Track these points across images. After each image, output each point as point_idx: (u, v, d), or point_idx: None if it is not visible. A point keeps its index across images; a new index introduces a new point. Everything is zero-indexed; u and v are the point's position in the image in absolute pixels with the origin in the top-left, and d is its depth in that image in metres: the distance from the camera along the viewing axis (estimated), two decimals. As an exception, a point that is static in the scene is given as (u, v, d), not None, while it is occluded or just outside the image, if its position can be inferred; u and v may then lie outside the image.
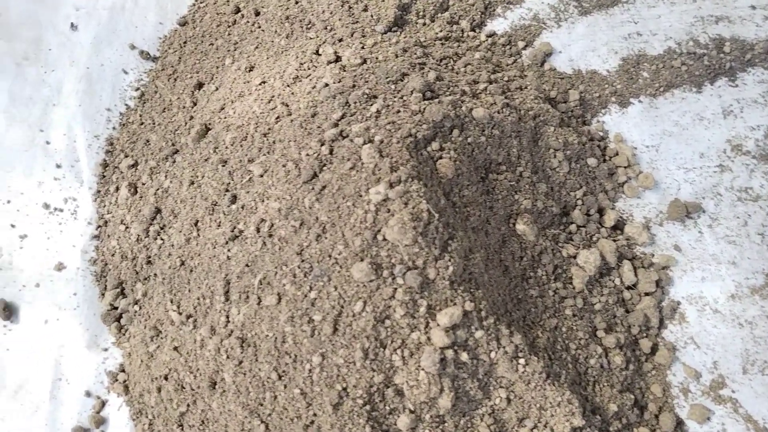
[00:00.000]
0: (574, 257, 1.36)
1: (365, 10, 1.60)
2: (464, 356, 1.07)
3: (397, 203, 1.08)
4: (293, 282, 1.08)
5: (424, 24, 1.64)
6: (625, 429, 1.24)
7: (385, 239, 1.07)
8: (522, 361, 1.11)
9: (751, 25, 1.72)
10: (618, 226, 1.48)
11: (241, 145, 1.29)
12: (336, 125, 1.21)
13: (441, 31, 1.62)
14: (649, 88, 1.63)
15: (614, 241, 1.43)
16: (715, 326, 1.39)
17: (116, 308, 1.37)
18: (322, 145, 1.18)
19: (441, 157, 1.21)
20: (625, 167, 1.53)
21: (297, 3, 1.64)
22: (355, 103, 1.24)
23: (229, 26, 1.66)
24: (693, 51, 1.67)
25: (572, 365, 1.23)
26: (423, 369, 1.05)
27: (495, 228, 1.27)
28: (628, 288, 1.39)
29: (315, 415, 1.06)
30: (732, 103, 1.63)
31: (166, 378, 1.22)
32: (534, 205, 1.34)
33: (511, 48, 1.68)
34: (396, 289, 1.06)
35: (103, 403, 1.31)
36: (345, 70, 1.33)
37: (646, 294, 1.40)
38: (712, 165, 1.56)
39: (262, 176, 1.21)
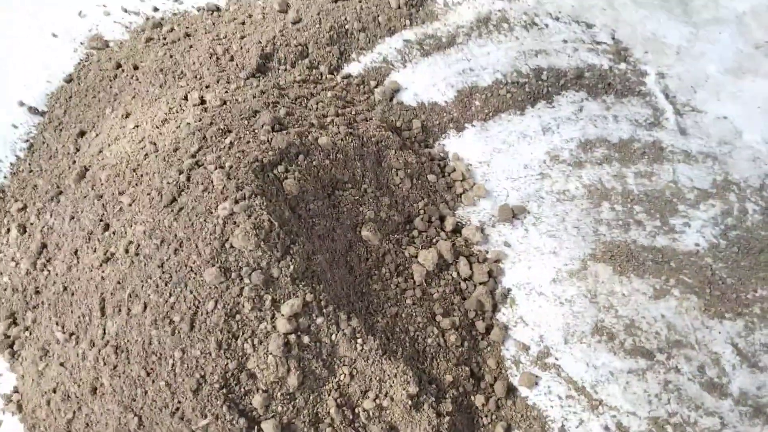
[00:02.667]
0: (416, 257, 1.59)
1: (231, 59, 1.84)
2: (306, 339, 1.27)
3: (241, 216, 1.29)
4: (156, 291, 1.27)
5: (285, 69, 1.88)
6: (461, 396, 1.45)
7: (232, 247, 1.27)
8: (360, 341, 1.33)
9: (563, 55, 2.06)
10: (457, 230, 1.74)
11: (114, 181, 1.48)
12: (193, 156, 1.42)
13: (300, 75, 1.87)
14: (481, 113, 1.93)
15: (452, 242, 1.68)
16: (541, 306, 1.65)
17: (9, 336, 1.50)
18: (181, 173, 1.38)
19: (287, 178, 1.43)
20: (461, 181, 1.80)
21: (171, 57, 1.86)
22: (211, 137, 1.45)
23: (110, 80, 1.85)
24: (516, 80, 1.98)
25: (410, 344, 1.44)
26: (271, 353, 1.24)
27: (341, 235, 1.49)
28: (465, 280, 1.64)
29: (179, 402, 1.23)
30: (550, 122, 1.94)
31: (54, 391, 1.36)
32: (378, 215, 1.58)
33: (364, 87, 1.95)
34: (243, 287, 1.26)
35: (-2, 424, 1.43)
36: (206, 111, 1.55)
37: (481, 284, 1.65)
38: (535, 174, 1.85)
39: (130, 205, 1.40)
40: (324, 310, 1.31)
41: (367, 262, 1.51)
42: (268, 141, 1.47)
